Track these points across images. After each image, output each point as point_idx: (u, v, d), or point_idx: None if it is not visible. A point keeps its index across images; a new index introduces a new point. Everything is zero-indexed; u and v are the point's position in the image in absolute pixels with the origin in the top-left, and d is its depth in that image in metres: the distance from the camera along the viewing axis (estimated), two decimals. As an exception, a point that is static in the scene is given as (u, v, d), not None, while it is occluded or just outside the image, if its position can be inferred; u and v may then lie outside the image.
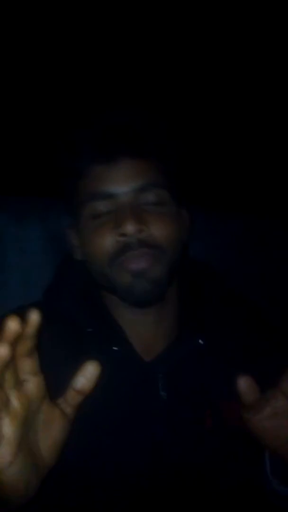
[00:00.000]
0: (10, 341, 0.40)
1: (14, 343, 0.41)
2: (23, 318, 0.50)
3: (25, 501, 0.46)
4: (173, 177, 0.68)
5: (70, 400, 0.49)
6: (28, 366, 0.44)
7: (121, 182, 0.64)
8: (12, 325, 0.40)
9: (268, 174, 1.36)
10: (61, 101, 1.18)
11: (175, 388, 0.67)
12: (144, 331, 0.70)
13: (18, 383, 0.43)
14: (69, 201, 0.72)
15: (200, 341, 0.69)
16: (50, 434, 0.48)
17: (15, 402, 0.43)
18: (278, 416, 0.52)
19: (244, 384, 0.51)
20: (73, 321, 0.70)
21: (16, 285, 1.10)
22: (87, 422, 0.61)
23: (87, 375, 0.48)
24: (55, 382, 0.64)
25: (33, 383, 0.45)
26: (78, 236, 0.72)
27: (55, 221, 1.13)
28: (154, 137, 0.66)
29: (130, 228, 0.62)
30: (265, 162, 1.36)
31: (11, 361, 0.42)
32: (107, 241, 0.65)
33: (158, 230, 0.64)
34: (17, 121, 1.19)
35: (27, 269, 1.12)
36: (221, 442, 0.65)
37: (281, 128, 1.33)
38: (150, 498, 0.65)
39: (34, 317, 0.43)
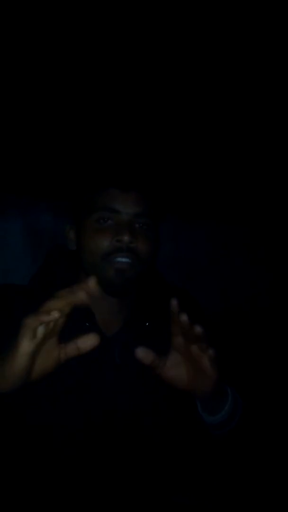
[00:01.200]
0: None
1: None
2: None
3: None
4: (156, 208, 0.94)
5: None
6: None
7: (128, 206, 0.88)
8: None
9: (235, 184, 1.47)
10: (52, 103, 1.26)
11: (127, 357, 0.87)
12: (107, 313, 0.92)
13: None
14: (78, 206, 0.93)
15: (146, 324, 0.92)
16: (44, 361, 0.71)
17: (41, 331, 0.67)
18: (177, 366, 0.78)
19: (140, 354, 0.76)
20: None
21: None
22: (55, 379, 0.77)
23: (86, 288, 0.69)
24: None
25: (55, 325, 0.70)
26: (76, 232, 0.93)
27: (36, 218, 1.25)
28: (155, 181, 0.95)
29: (126, 238, 0.84)
30: (233, 173, 1.46)
31: None
32: (105, 241, 0.86)
33: (142, 246, 0.87)
34: (4, 124, 1.26)
35: (7, 264, 1.23)
36: (160, 394, 0.88)
37: (248, 136, 1.43)
38: (104, 441, 0.85)
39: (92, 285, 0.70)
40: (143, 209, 0.89)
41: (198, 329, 0.73)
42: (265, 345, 1.44)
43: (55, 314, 0.66)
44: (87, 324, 0.87)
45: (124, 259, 0.85)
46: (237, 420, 0.83)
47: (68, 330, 0.75)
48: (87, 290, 0.70)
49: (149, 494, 0.88)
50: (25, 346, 0.66)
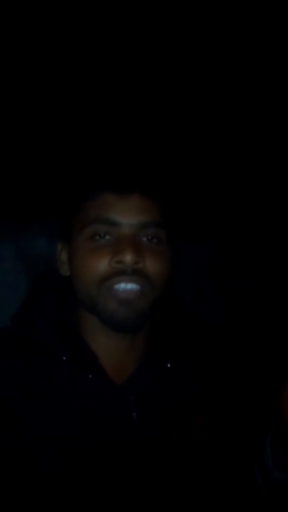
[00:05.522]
0: None
1: None
2: None
3: None
4: (171, 219, 0.73)
5: None
6: None
7: (129, 214, 0.67)
8: None
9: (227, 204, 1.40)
10: (51, 120, 1.20)
11: (145, 409, 0.69)
12: (116, 354, 0.73)
13: None
14: (68, 219, 0.74)
15: (167, 364, 0.72)
16: None
17: None
18: None
19: None
20: (46, 348, 0.70)
21: (-12, 304, 1.11)
22: (62, 446, 0.64)
23: None
24: (26, 408, 0.66)
25: None
26: (68, 253, 0.74)
27: (28, 242, 1.16)
28: (164, 181, 0.72)
29: (129, 258, 0.65)
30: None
31: None
32: (102, 264, 0.67)
33: (152, 266, 0.67)
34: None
35: (0, 289, 1.13)
36: (186, 455, 0.69)
37: (246, 158, 1.38)
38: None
39: None
40: (151, 217, 0.68)
41: None
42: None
43: None
44: (89, 376, 0.68)
45: (129, 286, 0.66)
46: None
47: (67, 386, 0.62)
48: None
49: None
50: None
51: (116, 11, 1.13)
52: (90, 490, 0.66)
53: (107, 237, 0.68)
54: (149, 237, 0.69)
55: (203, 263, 1.36)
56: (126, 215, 0.68)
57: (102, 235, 0.68)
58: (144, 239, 0.69)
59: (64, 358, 0.68)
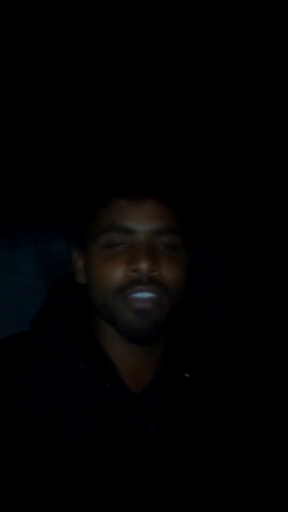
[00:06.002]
0: None
1: None
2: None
3: None
4: (188, 224, 0.71)
5: None
6: None
7: (143, 221, 0.66)
8: None
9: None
10: (62, 124, 1.20)
11: (162, 419, 0.68)
12: (133, 363, 0.72)
13: None
14: (83, 225, 0.73)
15: (185, 374, 0.71)
16: None
17: None
18: None
19: None
20: (64, 356, 0.70)
21: (8, 307, 1.12)
22: (78, 455, 0.63)
23: None
24: (44, 417, 0.65)
25: None
26: (84, 260, 0.73)
27: (47, 245, 1.16)
28: (179, 185, 0.70)
29: (144, 266, 0.64)
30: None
31: None
32: (117, 273, 0.66)
33: (168, 273, 0.66)
34: (14, 150, 1.20)
35: (19, 292, 1.14)
36: (204, 468, 0.68)
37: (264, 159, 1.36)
38: None
39: None
40: (165, 223, 0.66)
41: None
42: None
43: None
44: (108, 385, 0.67)
45: (145, 295, 0.65)
46: None
47: (84, 394, 0.61)
48: None
49: None
50: None
51: (118, 12, 1.12)
52: (106, 499, 0.66)
53: (123, 245, 0.67)
54: (165, 244, 0.68)
55: (218, 269, 1.34)
56: (140, 221, 0.66)
57: (117, 243, 0.67)
58: (161, 246, 0.68)
59: (82, 366, 0.68)
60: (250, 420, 0.74)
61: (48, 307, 0.76)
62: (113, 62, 1.18)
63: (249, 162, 1.34)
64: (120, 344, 0.70)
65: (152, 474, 0.67)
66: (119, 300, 0.66)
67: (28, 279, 1.14)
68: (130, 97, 1.20)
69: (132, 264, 0.65)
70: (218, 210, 1.32)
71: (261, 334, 1.32)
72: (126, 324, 0.66)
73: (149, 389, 0.70)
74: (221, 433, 0.69)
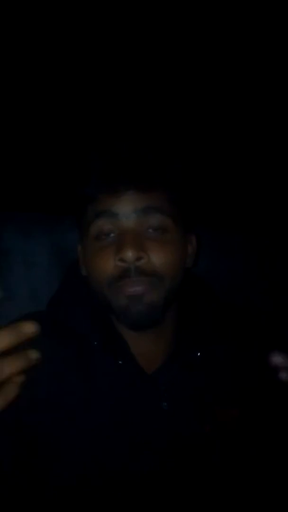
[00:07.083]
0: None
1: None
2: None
3: None
4: (179, 204, 0.70)
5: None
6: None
7: (126, 205, 0.66)
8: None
9: (268, 194, 1.37)
10: (66, 117, 1.20)
11: (175, 398, 0.69)
12: (144, 346, 0.73)
13: None
14: (79, 221, 0.75)
15: (197, 353, 0.71)
16: None
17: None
18: None
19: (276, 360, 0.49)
20: (79, 333, 0.72)
21: (23, 299, 1.12)
22: (94, 433, 0.64)
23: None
24: (58, 394, 0.66)
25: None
26: (82, 254, 0.75)
27: (61, 236, 1.16)
28: (160, 168, 0.68)
29: (129, 255, 0.63)
30: (266, 180, 1.36)
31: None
32: (108, 264, 0.66)
33: (158, 259, 0.65)
34: (26, 140, 1.21)
35: (34, 283, 1.15)
36: (219, 445, 0.68)
37: (282, 149, 1.34)
38: (150, 504, 0.67)
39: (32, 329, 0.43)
40: (151, 202, 0.66)
41: None
42: None
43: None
44: (120, 362, 0.68)
45: (133, 283, 0.64)
46: None
47: (97, 372, 0.63)
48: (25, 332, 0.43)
49: None
50: None
51: (118, 11, 1.11)
52: (120, 478, 0.66)
53: (111, 235, 0.67)
54: (154, 228, 0.67)
55: (237, 255, 1.33)
56: (124, 205, 0.66)
57: (106, 233, 0.67)
58: (150, 230, 0.66)
59: (95, 343, 0.69)
60: (272, 403, 0.74)
61: (63, 288, 0.78)
62: (98, 55, 1.16)
63: (251, 148, 1.32)
64: (129, 331, 0.70)
65: (165, 452, 0.67)
66: (113, 289, 0.66)
67: (42, 270, 1.15)
68: (115, 94, 1.19)
69: (119, 253, 0.64)
70: (236, 195, 1.30)
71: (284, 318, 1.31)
72: (122, 310, 0.66)
73: (161, 370, 0.70)
74: (240, 413, 0.69)
